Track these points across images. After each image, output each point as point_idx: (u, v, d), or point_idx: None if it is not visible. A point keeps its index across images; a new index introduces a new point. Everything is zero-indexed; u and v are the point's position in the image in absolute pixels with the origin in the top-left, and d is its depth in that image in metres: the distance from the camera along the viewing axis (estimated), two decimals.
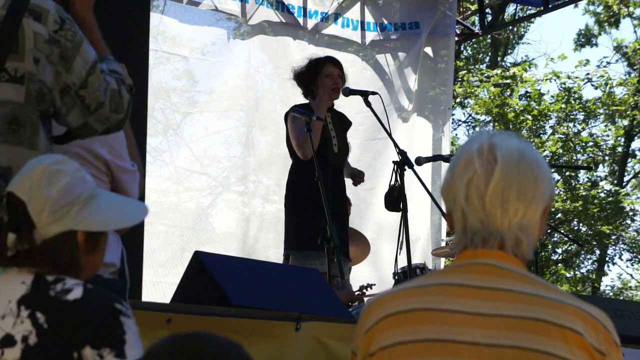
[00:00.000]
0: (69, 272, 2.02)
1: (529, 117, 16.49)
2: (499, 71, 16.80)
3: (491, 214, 1.83)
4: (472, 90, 16.98)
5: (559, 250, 18.14)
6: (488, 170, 1.84)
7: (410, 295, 1.86)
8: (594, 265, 18.49)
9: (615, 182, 17.71)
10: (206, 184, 7.58)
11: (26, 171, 2.05)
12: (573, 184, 16.81)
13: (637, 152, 18.42)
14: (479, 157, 1.86)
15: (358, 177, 5.71)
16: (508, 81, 16.58)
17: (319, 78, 5.51)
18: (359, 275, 6.67)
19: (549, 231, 15.94)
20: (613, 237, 17.01)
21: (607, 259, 17.92)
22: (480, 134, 1.92)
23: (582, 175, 17.30)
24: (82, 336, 1.89)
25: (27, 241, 2.00)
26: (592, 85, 17.09)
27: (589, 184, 16.85)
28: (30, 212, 2.00)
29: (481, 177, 1.84)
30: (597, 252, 17.93)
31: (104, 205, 2.08)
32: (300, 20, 7.79)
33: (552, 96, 17.13)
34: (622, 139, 17.76)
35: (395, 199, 5.06)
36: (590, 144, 17.06)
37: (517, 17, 15.59)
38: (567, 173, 16.61)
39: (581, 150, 17.09)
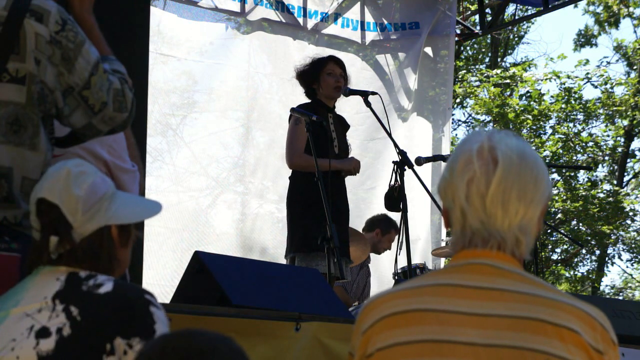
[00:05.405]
0: (110, 266, 2.11)
1: (529, 117, 16.49)
2: (498, 71, 16.80)
3: (492, 215, 1.83)
4: (472, 90, 16.98)
5: (559, 250, 18.14)
6: (489, 170, 1.84)
7: (407, 296, 1.86)
8: (593, 265, 18.50)
9: (615, 182, 17.71)
10: (205, 184, 7.58)
11: (51, 176, 2.13)
12: (573, 184, 16.81)
13: (637, 152, 18.44)
14: (478, 157, 1.85)
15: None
16: (508, 81, 16.58)
17: (321, 76, 5.51)
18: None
19: (549, 231, 15.94)
20: (613, 237, 17.01)
21: (607, 259, 17.93)
22: (478, 133, 1.92)
23: (582, 175, 17.30)
24: (114, 327, 1.95)
25: (68, 242, 2.07)
26: (592, 85, 17.10)
27: (589, 184, 16.85)
28: (65, 213, 2.08)
29: (482, 177, 1.84)
30: (597, 252, 17.93)
31: (126, 200, 2.18)
32: (300, 20, 7.79)
33: (552, 96, 17.14)
34: (622, 139, 17.76)
35: (395, 199, 5.05)
36: (590, 144, 17.05)
37: (517, 17, 15.57)
38: (567, 173, 16.61)
39: (581, 150, 17.08)
